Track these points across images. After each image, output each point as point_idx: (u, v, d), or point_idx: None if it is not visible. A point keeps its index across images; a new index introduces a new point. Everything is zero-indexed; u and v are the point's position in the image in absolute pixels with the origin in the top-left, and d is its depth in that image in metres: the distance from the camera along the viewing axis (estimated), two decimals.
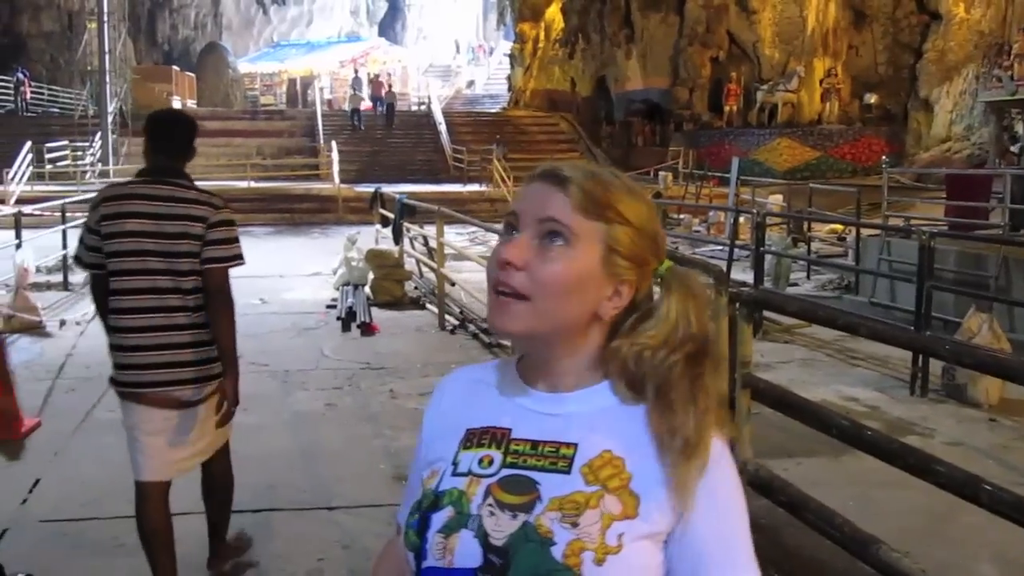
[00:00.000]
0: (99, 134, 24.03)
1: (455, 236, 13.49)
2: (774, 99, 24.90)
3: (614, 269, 0.96)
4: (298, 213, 19.59)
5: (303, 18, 54.79)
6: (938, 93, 23.49)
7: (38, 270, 10.09)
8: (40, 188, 19.75)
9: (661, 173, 21.68)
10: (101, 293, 2.84)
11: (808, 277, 11.15)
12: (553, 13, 33.97)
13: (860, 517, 2.62)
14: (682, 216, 16.59)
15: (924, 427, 5.25)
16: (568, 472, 0.93)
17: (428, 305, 8.95)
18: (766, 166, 22.72)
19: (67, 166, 22.58)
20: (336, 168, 21.65)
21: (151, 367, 2.75)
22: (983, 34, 22.68)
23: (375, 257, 9.63)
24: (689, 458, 0.92)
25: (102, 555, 3.47)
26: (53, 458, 4.48)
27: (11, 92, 27.74)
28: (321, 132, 26.42)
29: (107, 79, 24.39)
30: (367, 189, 15.60)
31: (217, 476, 3.16)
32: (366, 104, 29.75)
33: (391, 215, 11.21)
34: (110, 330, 2.83)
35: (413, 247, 11.05)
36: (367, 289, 9.28)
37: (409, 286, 9.71)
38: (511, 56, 38.34)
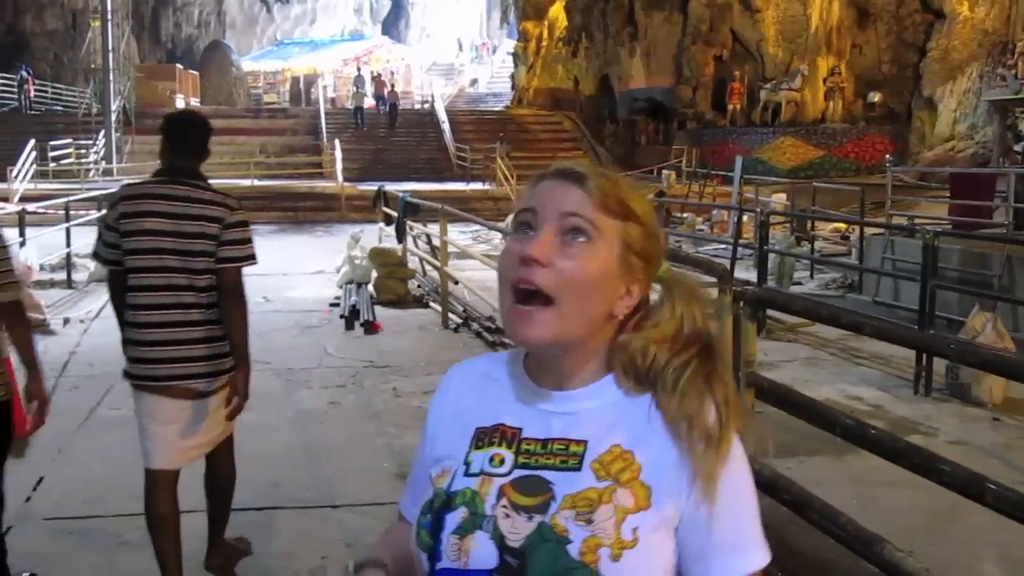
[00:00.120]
0: (103, 132, 24.08)
1: (458, 234, 13.47)
2: (778, 98, 24.84)
3: (629, 267, 0.97)
4: (301, 211, 19.62)
5: (306, 16, 54.81)
6: (942, 92, 23.41)
7: (42, 268, 10.11)
8: (44, 186, 19.81)
9: (664, 172, 21.61)
10: (118, 289, 2.92)
11: (812, 276, 11.13)
12: (556, 11, 33.94)
13: (864, 516, 2.62)
14: (685, 215, 16.56)
15: (928, 426, 5.25)
16: (579, 469, 0.94)
17: (431, 303, 8.95)
18: (769, 165, 22.66)
19: (71, 164, 22.61)
20: (339, 166, 21.63)
21: (166, 361, 2.83)
22: (987, 33, 22.63)
23: (378, 255, 9.64)
24: (715, 448, 0.93)
25: (105, 552, 3.48)
26: (57, 456, 4.48)
27: (15, 90, 27.75)
28: (324, 130, 26.42)
29: (111, 77, 24.46)
30: (370, 187, 15.59)
31: (220, 468, 3.19)
32: (369, 102, 29.76)
33: (394, 213, 11.20)
34: (126, 325, 2.90)
35: (416, 245, 11.04)
36: (370, 287, 9.29)
37: (412, 284, 9.71)
38: (514, 54, 38.33)
